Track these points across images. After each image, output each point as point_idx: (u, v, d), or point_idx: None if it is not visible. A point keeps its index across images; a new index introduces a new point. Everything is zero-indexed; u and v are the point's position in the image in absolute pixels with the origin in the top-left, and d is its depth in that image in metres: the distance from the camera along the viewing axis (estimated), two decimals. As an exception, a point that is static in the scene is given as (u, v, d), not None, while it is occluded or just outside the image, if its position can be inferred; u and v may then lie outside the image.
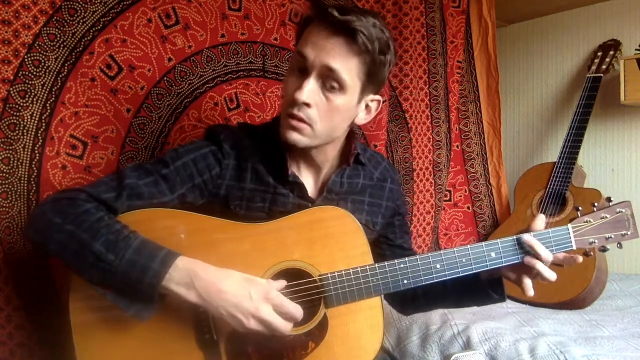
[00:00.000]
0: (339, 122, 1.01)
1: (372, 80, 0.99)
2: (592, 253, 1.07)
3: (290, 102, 0.96)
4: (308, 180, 1.08)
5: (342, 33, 0.93)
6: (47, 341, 1.17)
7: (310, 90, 0.94)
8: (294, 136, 0.98)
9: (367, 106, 1.04)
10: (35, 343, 1.16)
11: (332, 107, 0.97)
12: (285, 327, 0.89)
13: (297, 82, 0.96)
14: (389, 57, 0.99)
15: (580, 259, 1.02)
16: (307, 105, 0.95)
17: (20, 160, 1.15)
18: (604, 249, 1.07)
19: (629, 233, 1.07)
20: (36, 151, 1.17)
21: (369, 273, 0.98)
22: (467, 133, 2.20)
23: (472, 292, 1.13)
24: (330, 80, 0.95)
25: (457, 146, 2.18)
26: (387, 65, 0.99)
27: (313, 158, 1.06)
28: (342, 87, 0.95)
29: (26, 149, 1.16)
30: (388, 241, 1.20)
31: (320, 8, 0.96)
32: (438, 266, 1.00)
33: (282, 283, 0.93)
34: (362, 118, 1.05)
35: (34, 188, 1.17)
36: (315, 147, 1.02)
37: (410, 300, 1.19)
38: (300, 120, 0.96)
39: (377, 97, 1.05)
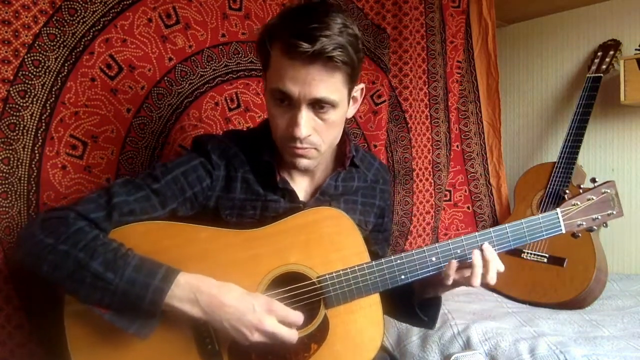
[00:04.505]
0: (338, 132, 1.02)
1: (354, 79, 0.98)
2: (580, 235, 1.08)
3: (289, 138, 0.95)
4: (301, 184, 1.08)
5: (318, 61, 0.88)
6: (46, 341, 1.17)
7: (306, 122, 0.93)
8: (304, 162, 0.99)
9: (353, 98, 1.03)
10: (35, 343, 1.16)
11: (329, 124, 0.97)
12: (291, 336, 0.89)
13: (287, 115, 0.95)
14: (362, 49, 0.96)
15: (478, 282, 0.97)
16: (308, 135, 0.95)
17: (20, 160, 1.15)
18: (590, 229, 1.08)
19: (614, 212, 1.08)
20: (36, 151, 1.17)
21: (366, 271, 0.98)
22: (467, 133, 2.20)
23: (402, 309, 1.12)
24: (321, 104, 0.94)
25: (457, 146, 2.18)
26: (363, 57, 0.98)
27: None
28: (333, 105, 0.95)
29: (26, 149, 1.16)
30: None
31: (287, 43, 0.88)
32: (434, 259, 0.99)
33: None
34: (352, 111, 1.05)
35: (34, 188, 1.17)
36: None
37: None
38: (306, 149, 0.97)
39: (360, 85, 1.04)
